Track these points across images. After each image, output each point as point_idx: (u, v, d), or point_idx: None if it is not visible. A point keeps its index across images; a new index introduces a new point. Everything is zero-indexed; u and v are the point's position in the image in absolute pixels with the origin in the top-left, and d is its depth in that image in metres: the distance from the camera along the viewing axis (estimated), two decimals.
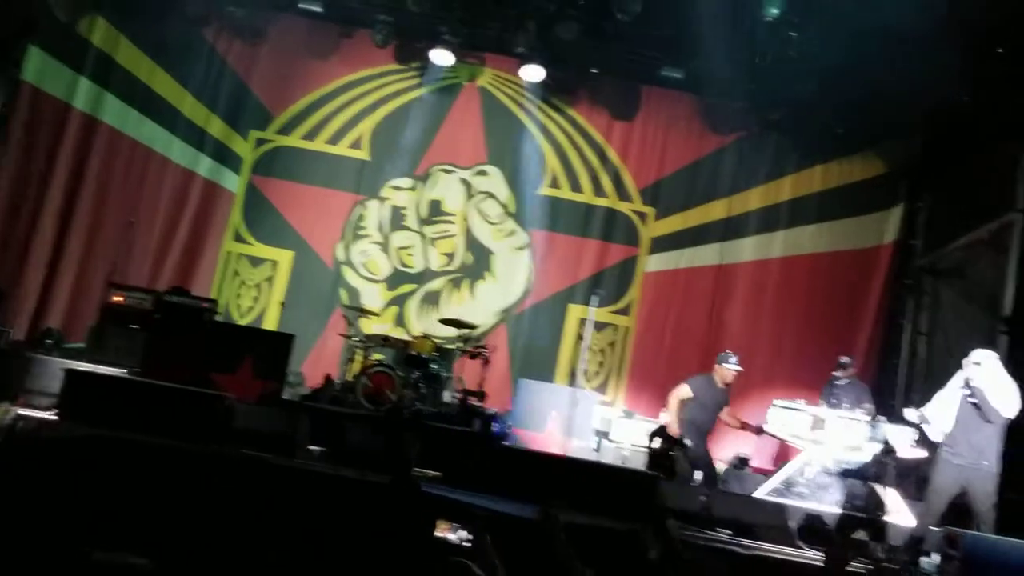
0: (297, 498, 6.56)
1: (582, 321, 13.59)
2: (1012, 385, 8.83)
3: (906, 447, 10.50)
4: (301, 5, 14.23)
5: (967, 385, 8.85)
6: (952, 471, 8.79)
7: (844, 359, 12.02)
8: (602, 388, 14.35)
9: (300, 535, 5.65)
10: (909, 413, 9.49)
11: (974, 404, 8.79)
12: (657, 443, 10.80)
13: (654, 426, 11.88)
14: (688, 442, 10.50)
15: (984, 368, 8.81)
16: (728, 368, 10.87)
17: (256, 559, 3.77)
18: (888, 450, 10.31)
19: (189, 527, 5.48)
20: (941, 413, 9.02)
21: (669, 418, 10.69)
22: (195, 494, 6.28)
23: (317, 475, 7.35)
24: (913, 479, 10.91)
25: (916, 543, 8.76)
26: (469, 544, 5.10)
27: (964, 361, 8.99)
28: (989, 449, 8.78)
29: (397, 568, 3.73)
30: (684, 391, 10.74)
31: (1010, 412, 8.75)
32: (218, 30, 14.64)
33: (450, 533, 5.30)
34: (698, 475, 10.62)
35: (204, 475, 6.54)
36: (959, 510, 8.88)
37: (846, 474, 10.36)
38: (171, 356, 9.57)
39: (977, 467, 8.72)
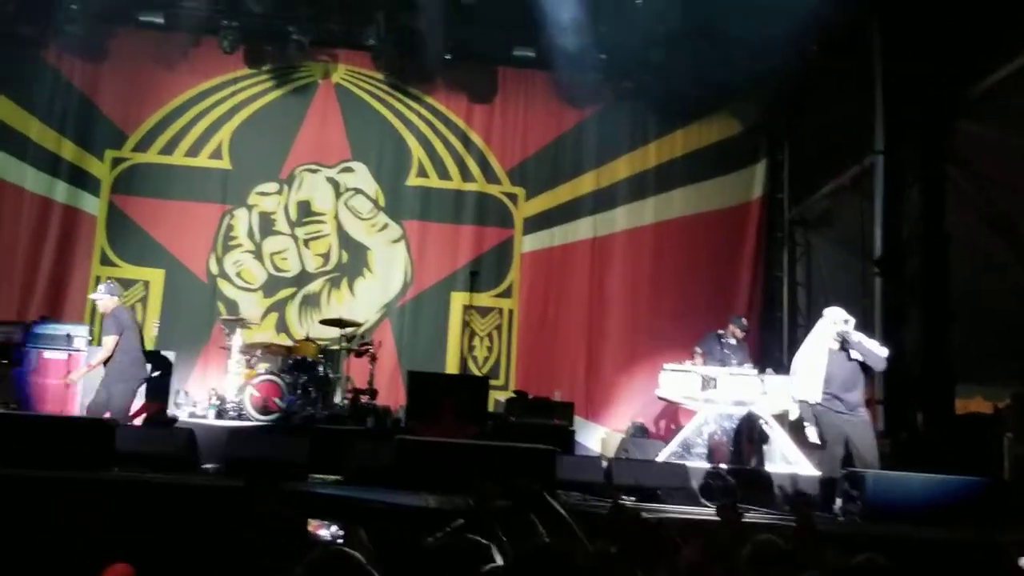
0: (168, 513, 6.39)
1: (466, 308, 13.52)
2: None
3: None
4: (141, 18, 13.82)
5: (844, 342, 9.06)
6: (835, 421, 9.00)
7: (743, 319, 12.24)
8: (494, 372, 14.29)
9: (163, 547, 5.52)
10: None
11: (854, 359, 9.04)
12: None
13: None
14: None
15: (851, 323, 9.09)
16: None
17: None
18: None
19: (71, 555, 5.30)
20: (811, 374, 9.19)
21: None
22: (77, 522, 6.07)
23: (185, 488, 7.14)
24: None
25: (828, 488, 8.92)
26: (341, 538, 5.01)
27: (828, 321, 9.19)
28: (861, 399, 9.12)
29: (268, 567, 3.62)
30: None
31: (885, 355, 9.09)
32: (58, 51, 14.10)
33: (322, 529, 5.22)
34: None
35: (84, 502, 6.31)
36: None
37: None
38: None
39: (854, 416, 8.98)
